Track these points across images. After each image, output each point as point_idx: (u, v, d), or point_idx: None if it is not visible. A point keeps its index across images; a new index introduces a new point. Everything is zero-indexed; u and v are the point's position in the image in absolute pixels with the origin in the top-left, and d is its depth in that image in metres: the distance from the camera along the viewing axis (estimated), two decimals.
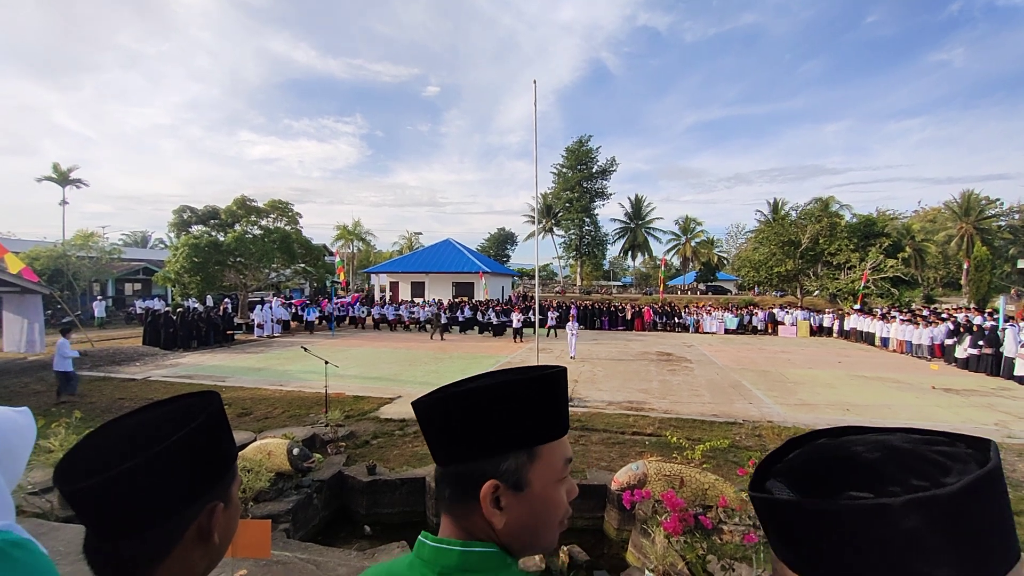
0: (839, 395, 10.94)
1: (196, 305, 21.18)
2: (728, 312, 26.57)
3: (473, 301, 26.54)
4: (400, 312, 24.48)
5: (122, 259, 28.21)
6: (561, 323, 21.79)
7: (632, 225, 51.76)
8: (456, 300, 27.44)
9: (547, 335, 21.58)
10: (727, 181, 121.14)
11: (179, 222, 21.75)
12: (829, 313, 25.31)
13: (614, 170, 47.78)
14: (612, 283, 59.69)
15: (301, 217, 23.64)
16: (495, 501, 0.67)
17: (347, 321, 25.19)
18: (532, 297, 32.36)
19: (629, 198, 52.57)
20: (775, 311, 26.53)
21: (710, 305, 29.85)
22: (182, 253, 19.66)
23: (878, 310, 23.70)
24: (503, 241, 56.50)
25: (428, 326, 21.26)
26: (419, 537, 0.72)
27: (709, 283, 49.46)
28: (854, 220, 32.11)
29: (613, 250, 54.28)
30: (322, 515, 6.00)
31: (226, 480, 0.74)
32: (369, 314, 24.71)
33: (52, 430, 5.32)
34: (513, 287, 42.17)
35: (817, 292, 32.34)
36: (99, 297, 25.01)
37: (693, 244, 50.86)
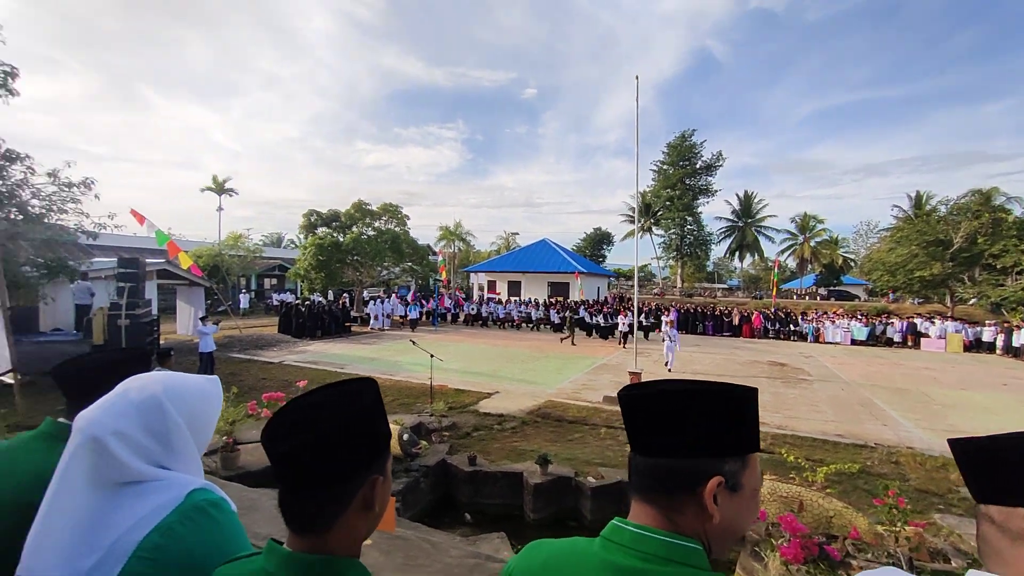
0: (1003, 423, 9.23)
1: (320, 299, 23.68)
2: (855, 320, 23.62)
3: (568, 301, 26.49)
4: (508, 311, 25.20)
5: (262, 257, 32.36)
6: (641, 328, 20.84)
7: (740, 224, 48.08)
8: (552, 300, 27.57)
9: (646, 338, 20.85)
10: (855, 173, 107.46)
11: (307, 224, 24.42)
12: (990, 325, 21.38)
13: (720, 165, 44.88)
14: (717, 286, 55.91)
15: (409, 219, 25.33)
16: (714, 498, 0.70)
17: (448, 318, 26.53)
18: (629, 299, 31.47)
19: (737, 195, 48.94)
20: (916, 321, 23.05)
21: (833, 312, 26.76)
22: (309, 252, 22.10)
23: None
24: (599, 241, 55.49)
25: (562, 328, 20.73)
26: (614, 521, 0.75)
27: (832, 287, 44.28)
28: None
29: (718, 251, 50.89)
30: (428, 499, 6.41)
31: (384, 456, 0.84)
32: (479, 312, 25.68)
33: None
34: (609, 288, 41.32)
35: (974, 300, 27.43)
36: (244, 290, 28.99)
37: (813, 244, 45.79)
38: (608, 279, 42.24)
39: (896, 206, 36.18)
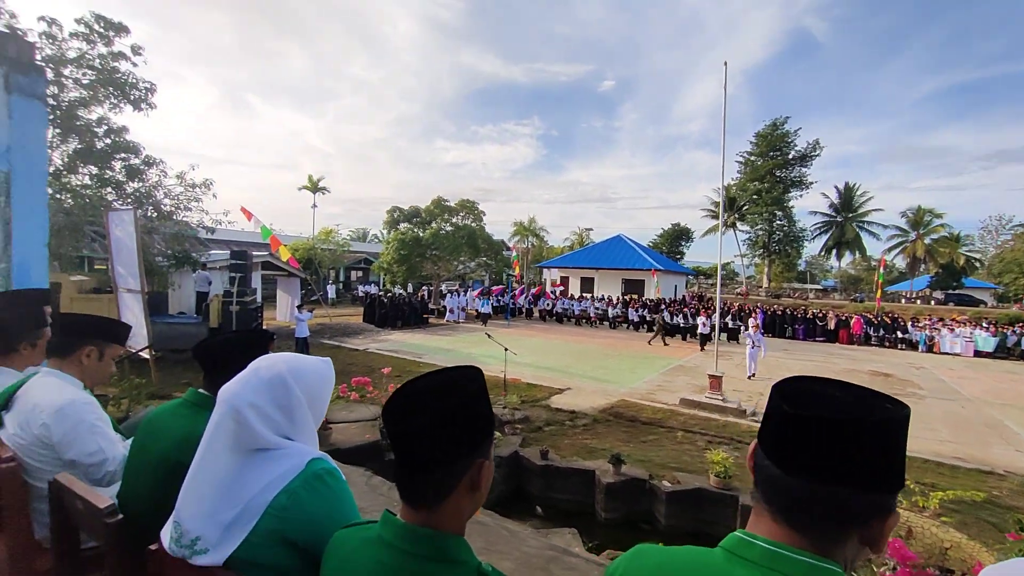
0: None
1: (400, 291, 24.93)
2: (980, 329, 20.70)
3: (652, 299, 25.70)
4: (584, 307, 24.97)
5: (349, 251, 34.63)
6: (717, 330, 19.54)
7: (839, 219, 43.79)
8: (630, 297, 26.90)
9: (730, 341, 19.73)
10: (984, 161, 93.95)
11: (390, 220, 25.78)
12: None
13: (817, 155, 41.01)
14: (809, 286, 51.45)
15: (484, 215, 25.90)
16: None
17: (523, 312, 26.78)
18: (709, 298, 29.89)
19: (836, 187, 44.51)
20: None
21: (952, 319, 23.65)
22: (392, 247, 23.33)
23: None
24: (677, 237, 53.10)
25: (641, 326, 20.09)
26: (738, 534, 0.70)
27: (951, 291, 39.07)
28: None
29: (811, 248, 46.75)
30: (501, 489, 6.55)
31: (489, 440, 0.89)
32: (552, 307, 25.71)
33: None
34: (687, 286, 39.52)
35: None
36: (332, 282, 31.22)
37: (927, 241, 40.62)
38: (686, 277, 40.39)
39: None
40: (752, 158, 42.76)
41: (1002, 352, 19.68)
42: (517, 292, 26.98)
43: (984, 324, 21.63)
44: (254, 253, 15.88)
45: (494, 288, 25.61)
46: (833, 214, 44.19)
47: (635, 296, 27.48)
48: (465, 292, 25.38)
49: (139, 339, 7.10)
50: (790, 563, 0.63)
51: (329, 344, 15.08)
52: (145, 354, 7.45)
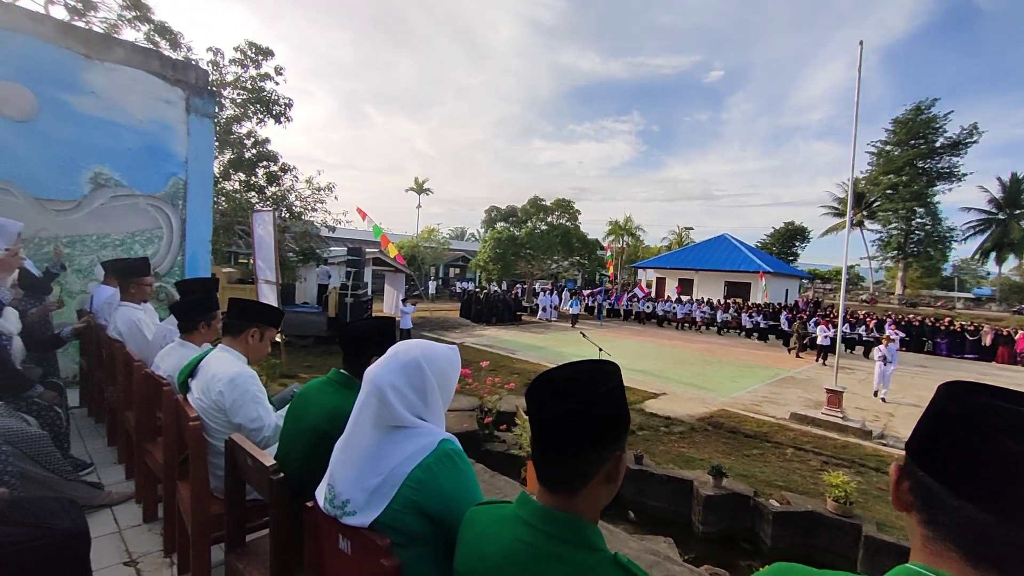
0: None
1: (496, 288, 25.67)
2: None
3: (750, 303, 23.88)
4: (689, 310, 23.81)
5: (449, 249, 36.39)
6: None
7: (1001, 216, 37.01)
8: (728, 300, 25.18)
9: (847, 352, 17.66)
10: None
11: (487, 220, 26.76)
12: None
13: (973, 142, 35.00)
14: (955, 294, 44.01)
15: (579, 214, 25.75)
16: None
17: (618, 315, 26.21)
18: (830, 305, 26.91)
19: (999, 179, 37.69)
20: None
21: None
22: (488, 245, 24.14)
23: None
24: (791, 237, 48.34)
25: (791, 337, 17.77)
26: (911, 566, 0.64)
27: None
28: None
29: (963, 250, 40.04)
30: None
31: (625, 434, 0.92)
32: (654, 309, 24.86)
33: None
34: (801, 291, 35.90)
35: None
36: (432, 278, 33.02)
37: None
38: (800, 280, 36.71)
39: None
40: (887, 148, 37.69)
41: None
42: (613, 293, 26.48)
43: None
44: (367, 250, 17.34)
45: (586, 291, 25.29)
46: (994, 211, 37.49)
47: (737, 300, 25.58)
48: (560, 291, 25.37)
49: None
50: None
51: (429, 336, 16.00)
52: (277, 338, 8.52)
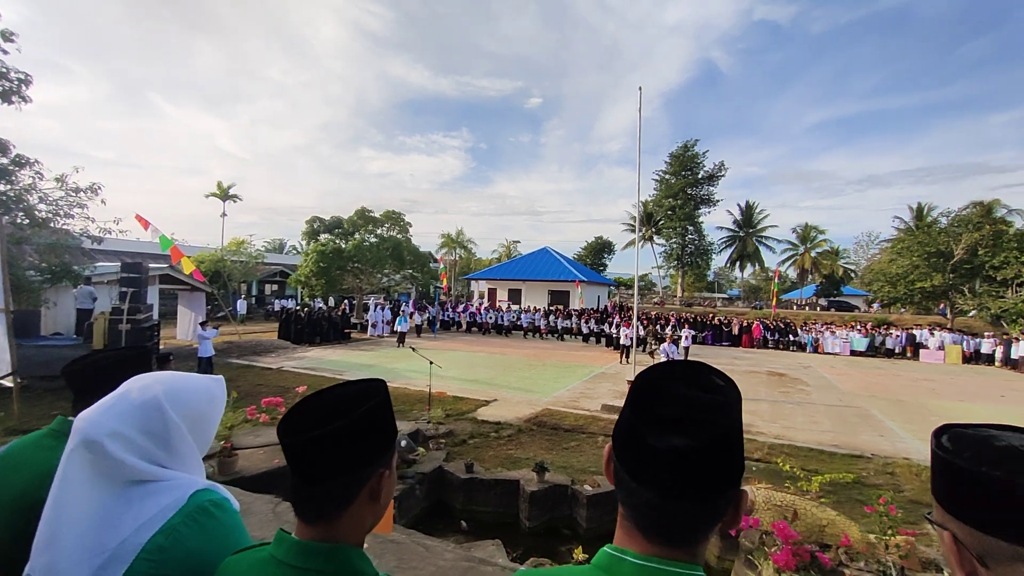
0: None
1: (320, 305, 23.73)
2: (855, 331, 23.62)
3: (569, 309, 26.52)
4: (533, 319, 25.12)
5: (264, 263, 32.49)
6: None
7: (741, 234, 48.17)
8: (552, 308, 27.61)
9: (644, 350, 20.84)
10: (857, 184, 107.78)
11: (310, 231, 24.58)
12: (990, 337, 21.39)
13: (722, 175, 44.94)
14: (716, 295, 55.88)
15: (411, 226, 25.48)
16: None
17: (452, 325, 26.56)
18: (629, 308, 31.47)
19: (739, 204, 49.13)
20: (915, 332, 23.06)
21: (833, 322, 26.75)
22: (311, 259, 22.21)
23: None
24: (600, 250, 55.60)
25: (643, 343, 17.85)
26: (607, 550, 0.70)
27: (832, 298, 44.27)
28: None
29: (719, 260, 50.97)
30: (423, 505, 6.42)
31: (391, 451, 0.90)
32: (498, 319, 25.56)
33: None
34: (609, 296, 41.33)
35: (974, 312, 27.44)
36: (242, 296, 29.02)
37: (813, 254, 45.86)
38: (609, 288, 42.25)
39: (897, 217, 36.47)
40: (667, 176, 45.90)
41: (871, 351, 22.57)
42: (451, 304, 26.78)
43: (857, 327, 24.70)
44: (151, 265, 14.43)
45: (410, 304, 25.06)
46: (736, 229, 48.49)
47: (560, 307, 28.25)
48: (396, 306, 24.61)
49: (1, 365, 6.18)
50: (660, 575, 0.63)
51: (237, 363, 13.99)
52: (7, 382, 6.48)
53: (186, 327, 17.44)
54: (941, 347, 21.44)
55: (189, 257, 15.89)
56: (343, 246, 22.95)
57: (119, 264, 12.81)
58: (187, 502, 1.01)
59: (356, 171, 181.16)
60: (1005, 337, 21.03)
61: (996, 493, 0.60)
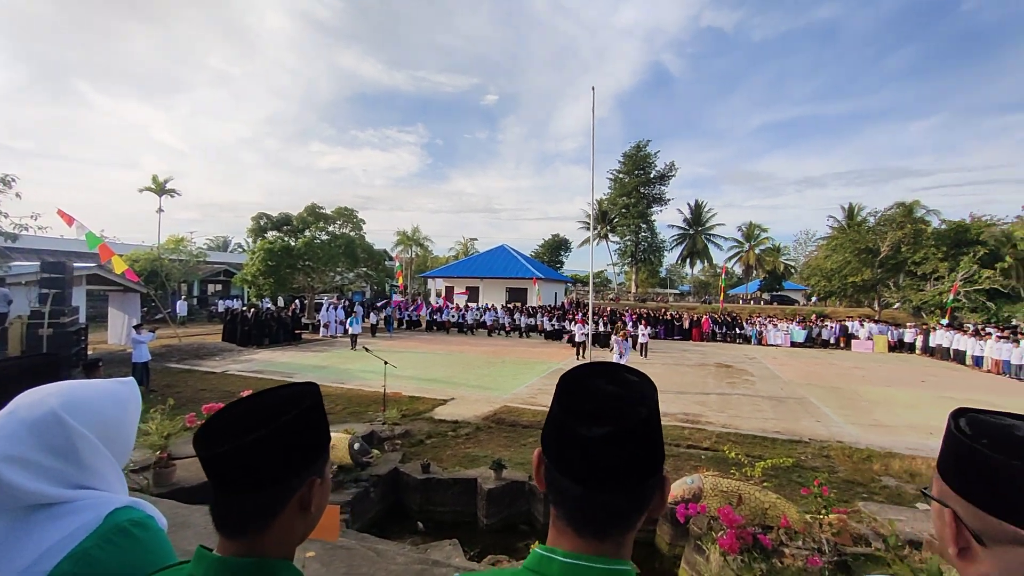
0: (922, 417, 10.05)
1: (269, 305, 22.73)
2: (795, 324, 25.06)
3: (527, 307, 26.68)
4: (499, 318, 24.95)
5: (206, 262, 30.76)
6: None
7: (691, 232, 50.01)
8: (510, 305, 27.68)
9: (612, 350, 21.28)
10: (797, 185, 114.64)
11: (256, 228, 23.46)
12: (911, 327, 23.26)
13: (673, 175, 46.46)
14: (669, 291, 57.87)
15: (364, 223, 24.83)
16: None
17: (410, 325, 26.11)
18: (585, 304, 32.04)
19: (688, 204, 51.01)
20: (848, 324, 24.73)
21: (775, 316, 28.27)
22: (258, 257, 21.22)
23: (970, 325, 21.50)
24: (557, 247, 56.29)
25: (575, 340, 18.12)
26: (536, 550, 0.69)
27: (774, 293, 46.77)
28: (943, 226, 29.35)
29: (670, 257, 52.74)
30: (378, 508, 6.28)
31: (323, 458, 0.85)
32: (451, 316, 25.22)
33: (149, 415, 5.94)
34: (566, 293, 41.92)
35: (898, 304, 29.78)
36: (182, 297, 27.37)
37: (757, 252, 48.28)
38: (565, 285, 42.83)
39: (831, 216, 38.67)
40: (621, 176, 46.97)
41: (809, 342, 24.02)
42: (403, 303, 26.31)
43: (797, 320, 26.22)
44: (77, 265, 13.34)
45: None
46: (686, 227, 50.28)
47: (518, 304, 28.38)
48: (350, 306, 23.86)
49: None
50: (586, 572, 0.65)
51: (178, 368, 13.19)
52: None
53: (119, 331, 16.25)
54: (870, 337, 23.08)
55: (121, 256, 14.82)
56: (292, 244, 22.09)
57: (39, 263, 11.75)
58: (102, 523, 0.92)
59: (306, 166, 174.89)
60: (924, 327, 22.92)
61: (1011, 479, 0.62)
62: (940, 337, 20.69)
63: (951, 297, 24.35)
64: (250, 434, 0.75)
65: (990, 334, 18.15)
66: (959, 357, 18.96)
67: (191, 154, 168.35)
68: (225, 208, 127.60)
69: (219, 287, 33.53)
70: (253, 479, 0.76)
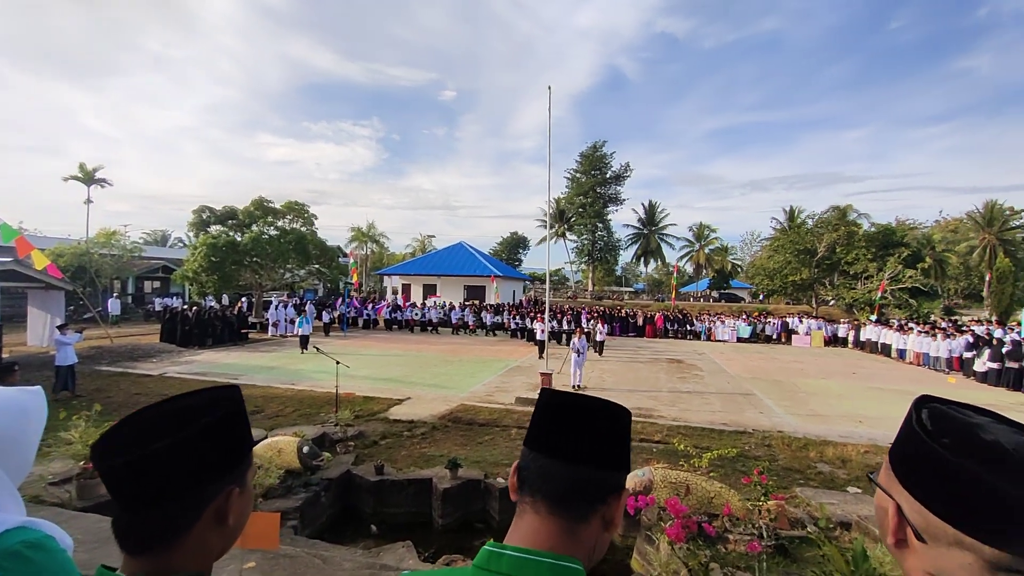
0: (852, 406, 10.77)
1: (212, 304, 21.57)
2: (741, 320, 26.29)
3: (486, 304, 26.62)
4: (462, 315, 24.57)
5: (142, 257, 28.83)
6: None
7: (645, 231, 51.49)
8: (468, 302, 27.54)
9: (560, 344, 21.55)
10: (743, 188, 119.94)
11: (198, 222, 22.21)
12: (844, 323, 24.92)
13: (628, 176, 47.59)
14: (624, 289, 59.32)
15: (317, 219, 24.01)
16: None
17: (359, 323, 25.46)
18: (543, 302, 32.35)
19: (643, 204, 52.39)
20: (789, 320, 26.20)
21: (723, 313, 29.56)
22: (200, 252, 20.08)
23: (895, 321, 23.28)
24: (515, 245, 56.54)
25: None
26: (487, 547, 0.69)
27: (722, 291, 48.92)
28: (872, 229, 31.61)
29: (626, 256, 54.13)
30: (329, 513, 6.09)
31: (243, 467, 0.79)
32: (413, 315, 24.69)
33: (73, 422, 5.48)
34: (524, 291, 42.16)
35: (833, 302, 31.84)
36: (115, 295, 25.50)
37: (707, 251, 50.45)
38: (524, 282, 43.07)
39: (774, 219, 40.97)
40: (578, 175, 47.68)
41: (754, 337, 25.28)
42: (358, 301, 25.64)
43: (743, 316, 27.52)
44: None
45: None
46: (641, 227, 51.72)
47: (476, 302, 28.27)
48: (302, 304, 22.96)
49: None
50: (534, 567, 0.65)
51: (109, 371, 12.29)
52: None
53: (40, 331, 14.96)
54: (808, 333, 24.55)
55: (43, 250, 13.65)
56: (238, 239, 21.06)
57: None
58: None
59: (253, 158, 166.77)
60: (856, 323, 24.61)
61: (967, 484, 0.56)
62: (870, 332, 22.28)
63: (879, 295, 26.24)
64: (154, 443, 0.69)
65: (912, 329, 19.69)
66: (886, 350, 20.50)
67: (125, 142, 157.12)
68: (164, 200, 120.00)
69: (157, 284, 31.49)
70: (156, 493, 0.70)
